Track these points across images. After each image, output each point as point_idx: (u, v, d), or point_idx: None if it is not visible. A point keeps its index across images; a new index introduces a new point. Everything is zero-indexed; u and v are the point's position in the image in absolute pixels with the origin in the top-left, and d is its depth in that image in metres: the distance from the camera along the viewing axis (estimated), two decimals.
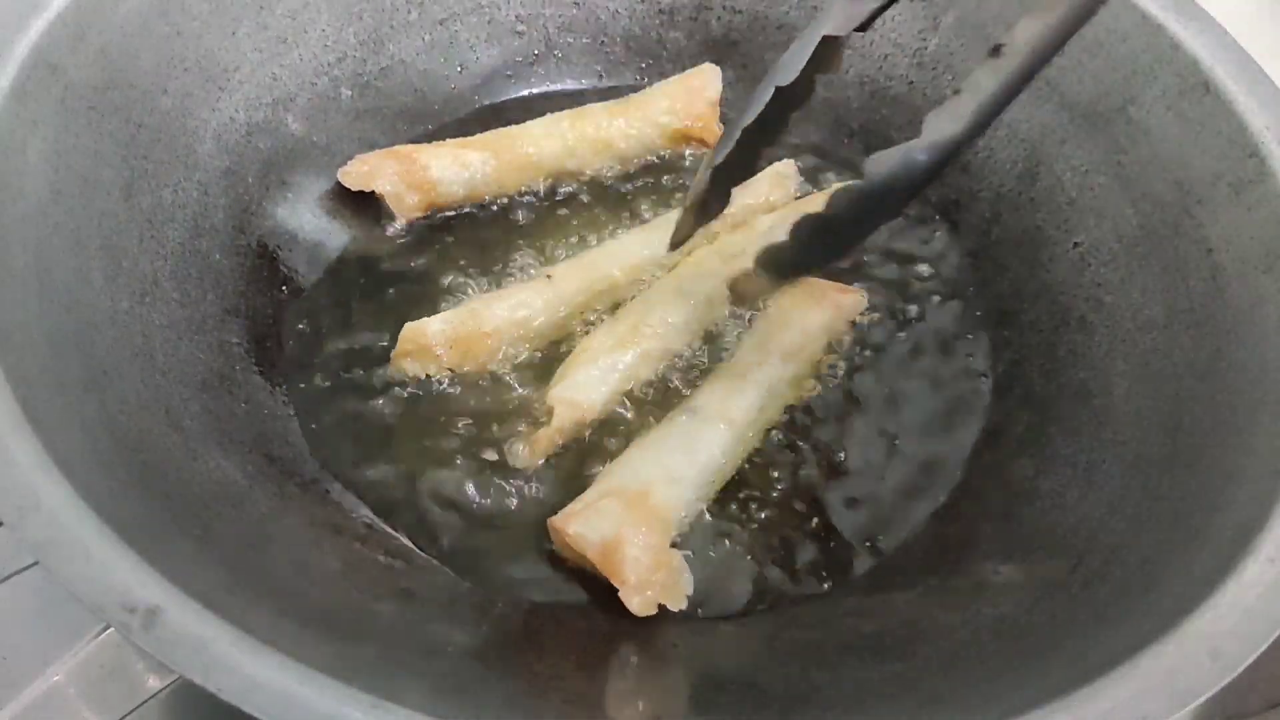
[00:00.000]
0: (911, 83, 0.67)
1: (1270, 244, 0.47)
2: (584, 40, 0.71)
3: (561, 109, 0.67)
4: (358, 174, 0.62)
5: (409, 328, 0.55)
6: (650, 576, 0.47)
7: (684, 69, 0.69)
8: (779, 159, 0.67)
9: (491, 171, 0.64)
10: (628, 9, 0.70)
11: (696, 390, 0.56)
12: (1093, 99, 0.57)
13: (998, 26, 0.61)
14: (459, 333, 0.56)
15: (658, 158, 0.68)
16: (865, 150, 0.69)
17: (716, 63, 0.69)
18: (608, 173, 0.67)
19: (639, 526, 0.47)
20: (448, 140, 0.65)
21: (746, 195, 0.65)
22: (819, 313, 0.59)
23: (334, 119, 0.63)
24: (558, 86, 0.71)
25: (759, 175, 0.66)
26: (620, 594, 0.46)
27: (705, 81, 0.68)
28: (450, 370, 0.56)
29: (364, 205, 0.63)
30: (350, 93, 0.64)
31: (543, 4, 0.69)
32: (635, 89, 0.70)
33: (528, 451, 0.53)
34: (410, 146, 0.64)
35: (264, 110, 0.59)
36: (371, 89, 0.65)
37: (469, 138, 0.65)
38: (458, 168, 0.63)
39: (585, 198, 0.66)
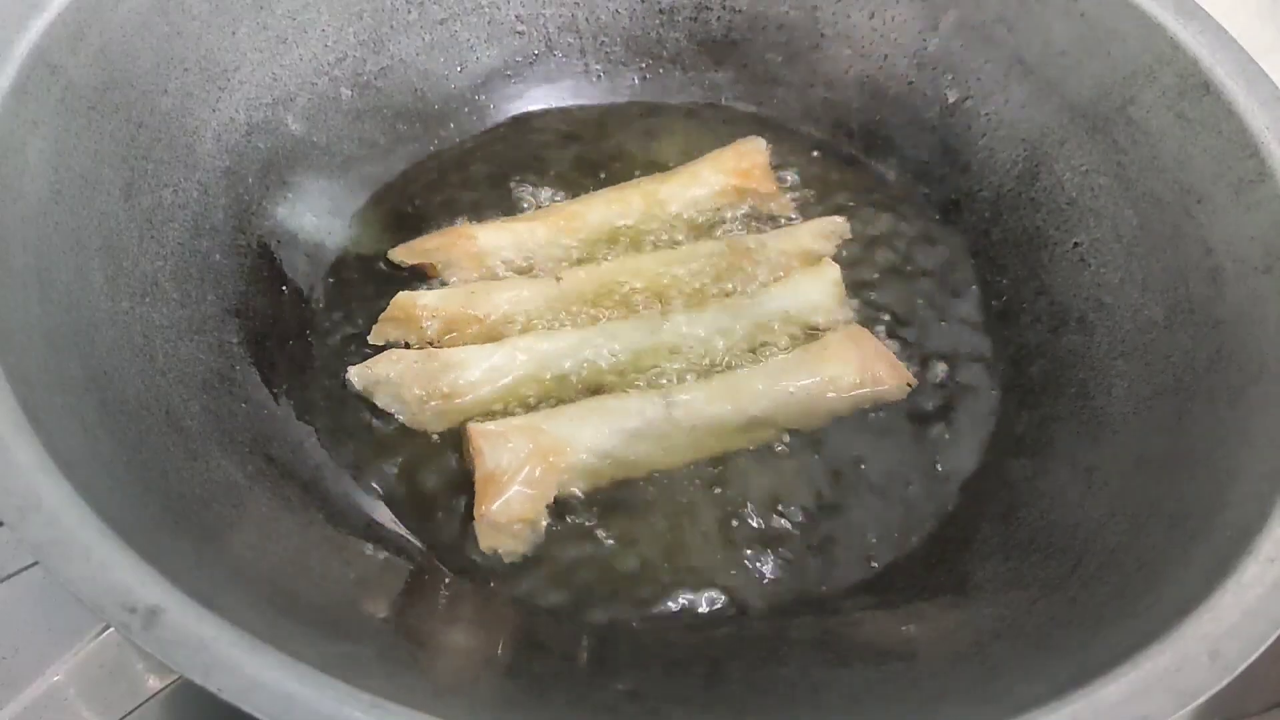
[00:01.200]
0: (911, 83, 0.67)
1: (1270, 244, 0.47)
2: (584, 40, 0.71)
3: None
4: (407, 250, 0.61)
5: (401, 295, 0.56)
6: (510, 523, 0.49)
7: (684, 69, 0.69)
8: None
9: (542, 237, 0.62)
10: (628, 9, 0.70)
11: (683, 385, 0.54)
12: (1093, 99, 0.57)
13: (998, 26, 0.61)
14: (450, 309, 0.56)
15: (712, 211, 0.65)
16: (865, 151, 0.69)
17: (717, 63, 0.69)
18: (661, 231, 0.63)
19: (534, 474, 0.49)
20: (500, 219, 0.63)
21: (785, 242, 0.62)
22: (853, 377, 0.55)
23: (334, 119, 0.63)
24: (558, 86, 0.71)
25: (803, 226, 0.63)
26: (475, 520, 0.49)
27: (752, 148, 0.66)
28: (430, 344, 0.56)
29: (364, 205, 0.63)
30: (350, 93, 0.64)
31: (543, 4, 0.69)
32: (635, 88, 0.70)
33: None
34: (465, 225, 0.62)
35: (264, 110, 0.59)
36: (371, 89, 0.65)
37: (518, 216, 0.63)
38: (504, 233, 0.61)
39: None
